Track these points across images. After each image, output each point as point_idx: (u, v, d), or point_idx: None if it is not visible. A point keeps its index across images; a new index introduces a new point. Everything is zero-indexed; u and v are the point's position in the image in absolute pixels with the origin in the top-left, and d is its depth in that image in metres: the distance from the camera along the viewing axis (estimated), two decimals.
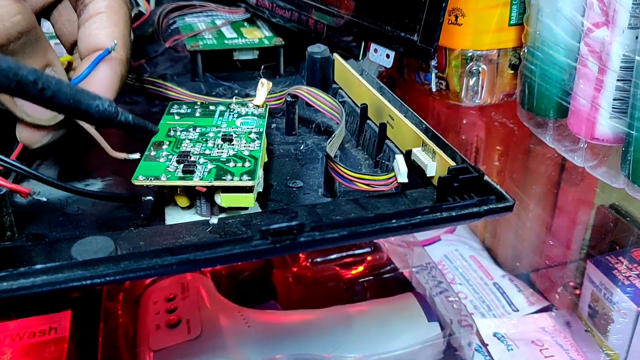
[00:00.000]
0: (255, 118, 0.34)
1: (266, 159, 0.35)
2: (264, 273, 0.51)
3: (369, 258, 0.52)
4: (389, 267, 0.51)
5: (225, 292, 0.46)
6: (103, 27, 0.31)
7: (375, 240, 0.53)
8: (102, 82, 0.30)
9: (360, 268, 0.51)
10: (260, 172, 0.29)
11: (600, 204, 0.48)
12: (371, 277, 0.50)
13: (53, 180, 0.28)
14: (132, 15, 0.53)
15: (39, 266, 0.21)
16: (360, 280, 0.50)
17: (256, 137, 0.32)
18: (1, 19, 0.25)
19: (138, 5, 0.56)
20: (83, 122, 0.29)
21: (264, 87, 0.36)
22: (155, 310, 0.43)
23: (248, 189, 0.28)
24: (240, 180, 0.28)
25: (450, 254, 0.58)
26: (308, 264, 0.50)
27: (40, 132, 0.29)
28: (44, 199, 0.28)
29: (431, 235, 0.60)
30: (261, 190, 0.30)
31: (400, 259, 0.52)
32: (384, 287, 0.49)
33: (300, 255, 0.50)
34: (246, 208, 0.29)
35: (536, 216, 0.51)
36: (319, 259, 0.50)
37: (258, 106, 0.36)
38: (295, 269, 0.49)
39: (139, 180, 0.28)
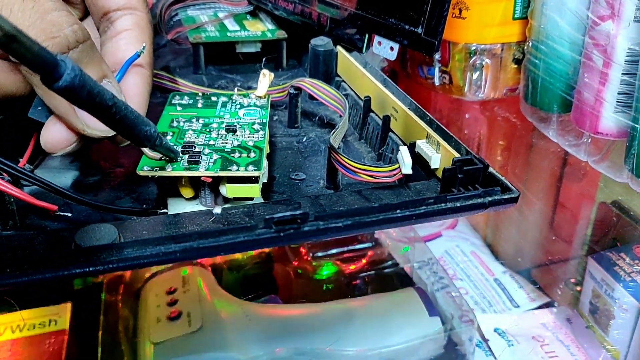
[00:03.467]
0: (258, 109, 0.34)
1: (268, 151, 0.35)
2: (265, 267, 0.50)
3: (370, 253, 0.51)
4: (390, 262, 0.51)
5: (226, 285, 0.46)
6: (131, 42, 0.31)
7: (376, 236, 0.53)
8: (135, 93, 0.30)
9: (362, 263, 0.50)
10: (265, 163, 0.29)
11: (603, 200, 0.48)
12: (372, 272, 0.50)
13: (73, 194, 0.27)
14: None
15: (42, 254, 0.21)
16: (361, 275, 0.50)
17: (260, 128, 0.32)
18: (61, 27, 0.25)
19: None
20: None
21: (265, 77, 0.36)
22: (156, 303, 0.43)
23: (254, 180, 0.28)
24: (246, 170, 0.27)
25: (452, 250, 0.57)
26: (309, 258, 0.49)
27: (69, 140, 0.28)
28: (69, 214, 0.28)
29: (432, 231, 0.59)
30: (265, 181, 0.30)
31: (401, 255, 0.51)
32: (385, 282, 0.49)
33: (302, 249, 0.50)
34: (251, 199, 0.29)
35: (538, 211, 0.51)
36: (320, 254, 0.50)
37: (260, 97, 0.36)
38: (296, 263, 0.49)
39: (144, 170, 0.28)
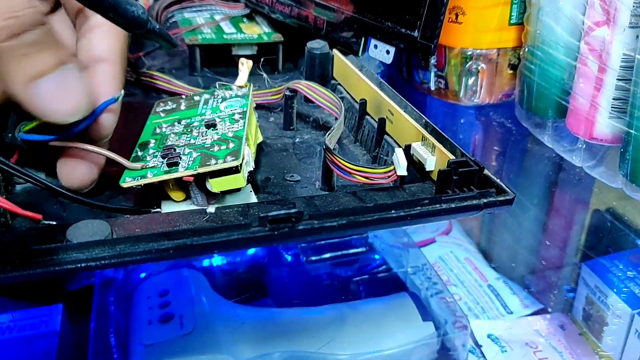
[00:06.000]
0: (240, 99, 0.34)
1: (261, 139, 0.35)
2: (258, 270, 0.50)
3: (363, 257, 0.51)
4: (383, 267, 0.51)
5: (219, 288, 0.46)
6: (105, 38, 0.31)
7: (370, 240, 0.53)
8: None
9: (355, 267, 0.50)
10: (246, 150, 0.29)
11: (597, 206, 0.48)
12: (366, 277, 0.50)
13: (66, 191, 0.27)
14: None
15: (32, 247, 0.20)
16: (355, 279, 0.49)
17: (240, 118, 0.31)
18: (14, 10, 0.25)
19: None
20: (87, 146, 0.29)
21: (244, 66, 0.36)
22: (148, 305, 0.43)
23: (235, 169, 0.27)
24: (225, 162, 0.27)
25: (445, 256, 0.57)
26: (303, 262, 0.49)
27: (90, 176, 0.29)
28: (54, 222, 0.27)
29: (426, 236, 0.59)
30: (252, 169, 0.30)
31: (395, 260, 0.51)
32: (379, 286, 0.49)
33: (295, 252, 0.50)
34: (239, 189, 0.28)
35: (532, 217, 0.51)
36: (313, 257, 0.50)
37: (241, 87, 0.36)
38: (289, 267, 0.49)
39: (127, 182, 0.27)
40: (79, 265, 0.21)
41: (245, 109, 0.32)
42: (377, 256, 0.52)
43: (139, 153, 0.30)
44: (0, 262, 0.21)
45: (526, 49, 0.42)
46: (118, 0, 0.25)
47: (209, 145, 0.29)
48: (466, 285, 0.54)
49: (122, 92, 0.30)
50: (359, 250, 0.51)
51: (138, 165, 0.28)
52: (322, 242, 0.50)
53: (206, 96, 0.35)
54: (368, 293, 0.48)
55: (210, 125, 0.31)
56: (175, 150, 0.29)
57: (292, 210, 0.23)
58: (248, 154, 0.29)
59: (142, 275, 0.46)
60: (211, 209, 0.26)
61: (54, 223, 0.26)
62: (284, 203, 0.27)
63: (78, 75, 0.27)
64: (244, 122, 0.31)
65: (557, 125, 0.41)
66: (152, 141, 0.31)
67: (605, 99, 0.36)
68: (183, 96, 0.36)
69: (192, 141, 0.30)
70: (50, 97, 0.26)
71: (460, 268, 0.56)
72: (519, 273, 0.54)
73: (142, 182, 0.27)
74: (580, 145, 0.39)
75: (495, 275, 0.55)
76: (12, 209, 0.24)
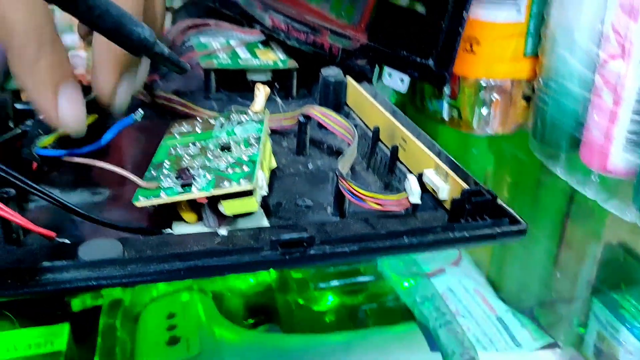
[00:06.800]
0: (255, 123, 0.34)
1: (274, 165, 0.35)
2: (266, 295, 0.50)
3: (372, 286, 0.51)
4: (392, 296, 0.50)
5: (227, 312, 0.46)
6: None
7: (379, 269, 0.53)
8: None
9: (364, 296, 0.50)
10: (260, 175, 0.29)
11: (610, 240, 0.47)
12: (374, 306, 0.49)
13: (80, 210, 0.27)
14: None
15: (44, 264, 0.20)
16: (363, 308, 0.49)
17: (255, 142, 0.32)
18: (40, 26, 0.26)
19: None
20: (102, 164, 0.29)
21: (261, 92, 0.36)
22: (155, 327, 0.43)
23: (248, 193, 0.27)
24: (239, 184, 0.27)
25: (455, 286, 0.57)
26: (311, 289, 0.49)
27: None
28: (67, 241, 0.27)
29: (436, 266, 0.59)
30: (265, 193, 0.30)
31: (404, 289, 0.51)
32: (387, 315, 0.49)
33: (304, 279, 0.50)
34: (251, 213, 0.28)
35: (543, 249, 0.51)
36: (322, 285, 0.50)
37: (257, 112, 0.36)
38: (298, 293, 0.49)
39: (141, 201, 0.27)
40: (90, 283, 0.21)
41: (260, 134, 0.33)
42: (386, 285, 0.51)
43: (153, 173, 0.30)
44: (11, 278, 0.21)
45: (540, 81, 0.42)
46: (123, 21, 0.24)
47: (224, 168, 0.29)
48: (475, 316, 0.54)
49: (141, 112, 0.31)
50: (368, 278, 0.51)
51: (153, 184, 0.28)
52: (332, 269, 0.50)
53: (222, 119, 0.35)
54: (376, 322, 0.48)
55: (225, 148, 0.31)
56: (189, 171, 0.29)
57: (304, 235, 0.23)
58: (262, 178, 0.29)
59: (151, 296, 0.46)
60: (223, 231, 0.26)
61: (68, 242, 0.26)
62: (296, 228, 0.27)
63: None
64: (259, 147, 0.31)
65: (570, 157, 0.40)
66: (167, 162, 0.31)
67: (619, 131, 0.36)
68: (198, 118, 0.36)
69: (207, 163, 0.30)
70: (68, 104, 0.28)
71: (469, 299, 0.55)
72: (529, 305, 0.53)
73: (156, 202, 0.27)
74: (593, 178, 0.38)
75: (504, 307, 0.54)
76: (27, 226, 0.24)
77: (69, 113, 0.29)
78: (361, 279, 0.51)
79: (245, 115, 0.35)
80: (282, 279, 0.50)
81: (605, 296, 0.46)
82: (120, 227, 0.28)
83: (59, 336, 0.43)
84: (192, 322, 0.43)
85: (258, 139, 0.32)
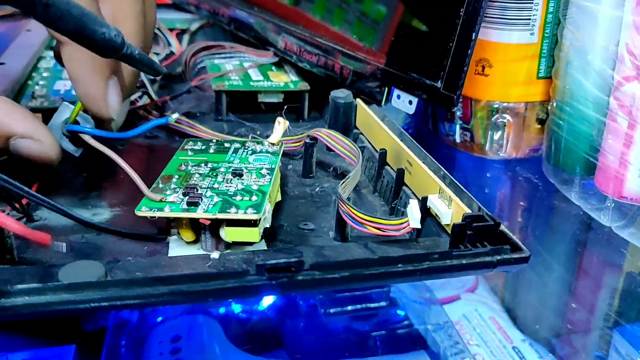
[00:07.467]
0: (269, 155, 0.34)
1: (280, 199, 0.34)
2: (275, 320, 0.49)
3: (384, 312, 0.50)
4: (404, 323, 0.49)
5: (233, 337, 0.45)
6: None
7: (392, 295, 0.52)
8: None
9: (375, 321, 0.49)
10: (267, 207, 0.28)
11: (630, 269, 0.46)
12: (385, 332, 0.48)
13: (89, 221, 0.27)
14: (164, 55, 0.54)
15: (19, 286, 0.20)
16: (373, 334, 0.48)
17: (267, 173, 0.31)
18: None
19: (170, 45, 0.57)
20: (116, 157, 0.30)
21: (280, 125, 0.36)
22: (159, 350, 0.42)
23: (253, 223, 0.27)
24: (245, 213, 0.27)
25: (469, 314, 0.55)
26: (320, 314, 0.48)
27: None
28: (63, 251, 0.27)
29: (451, 293, 0.57)
30: (268, 226, 0.29)
31: (417, 316, 0.50)
32: (398, 343, 0.47)
33: (313, 304, 0.49)
34: (252, 243, 0.28)
35: (558, 277, 0.49)
36: (332, 310, 0.49)
37: (273, 144, 0.35)
38: (306, 318, 0.48)
39: (143, 211, 0.27)
40: (67, 307, 0.20)
41: (273, 166, 0.33)
42: (398, 311, 0.50)
43: (160, 185, 0.30)
44: None
45: (554, 104, 0.41)
46: (85, 21, 0.23)
47: (232, 194, 0.29)
48: (490, 345, 0.52)
49: (177, 115, 0.36)
50: (380, 304, 0.50)
51: (157, 196, 0.28)
52: (341, 294, 0.49)
53: (237, 145, 0.35)
54: (386, 349, 0.47)
55: (237, 174, 0.31)
56: (197, 190, 0.29)
57: (292, 260, 0.22)
58: (268, 210, 0.29)
59: (158, 319, 0.46)
60: (215, 254, 0.25)
61: (64, 244, 0.27)
62: (291, 252, 0.26)
63: None
64: (271, 179, 0.31)
65: (585, 182, 0.39)
66: (176, 176, 0.31)
67: (635, 156, 0.35)
68: (214, 140, 0.36)
69: (216, 185, 0.30)
70: (115, 95, 0.33)
71: (485, 327, 0.54)
72: (545, 335, 0.52)
73: (158, 214, 0.27)
74: (608, 204, 0.37)
75: (521, 336, 0.53)
76: (19, 231, 0.23)
77: (116, 102, 0.33)
78: (372, 304, 0.50)
79: (260, 145, 0.35)
80: (291, 302, 0.49)
81: (625, 329, 0.44)
82: (125, 233, 0.28)
83: (65, 357, 0.43)
84: (197, 346, 0.42)
85: (271, 171, 0.32)
